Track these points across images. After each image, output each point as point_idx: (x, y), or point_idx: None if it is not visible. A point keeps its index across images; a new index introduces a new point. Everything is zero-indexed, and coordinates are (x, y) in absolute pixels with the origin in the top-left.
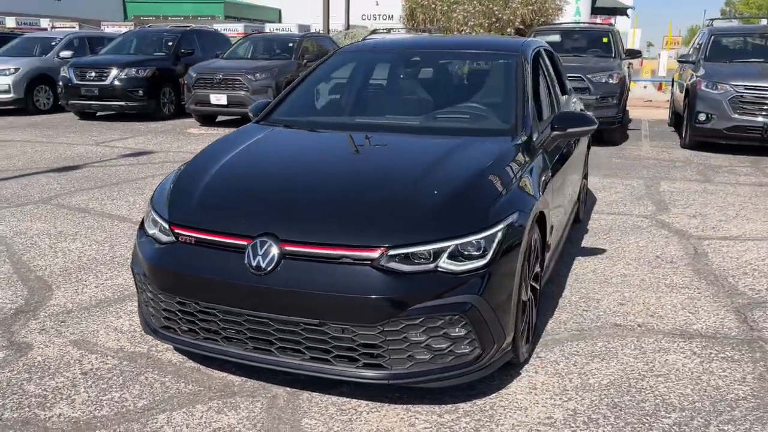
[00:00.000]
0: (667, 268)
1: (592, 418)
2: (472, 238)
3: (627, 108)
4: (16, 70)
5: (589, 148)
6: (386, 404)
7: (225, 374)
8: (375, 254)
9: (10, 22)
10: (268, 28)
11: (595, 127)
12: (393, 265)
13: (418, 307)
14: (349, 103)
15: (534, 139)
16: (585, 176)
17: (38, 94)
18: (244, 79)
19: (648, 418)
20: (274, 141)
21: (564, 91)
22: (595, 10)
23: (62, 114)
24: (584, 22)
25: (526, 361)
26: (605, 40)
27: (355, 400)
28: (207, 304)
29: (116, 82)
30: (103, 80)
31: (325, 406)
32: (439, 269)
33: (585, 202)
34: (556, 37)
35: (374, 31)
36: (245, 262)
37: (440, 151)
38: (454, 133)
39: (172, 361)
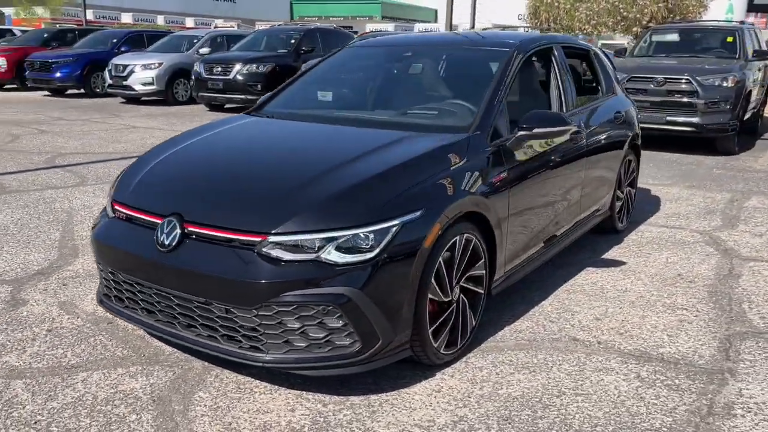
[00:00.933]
0: (680, 288)
1: (475, 427)
2: (359, 231)
3: (765, 115)
4: (160, 64)
5: (637, 155)
6: (282, 388)
7: (161, 345)
8: (257, 240)
9: (189, 22)
10: (417, 27)
11: (567, 128)
12: (275, 251)
13: (291, 294)
14: (337, 95)
15: (493, 139)
16: (630, 185)
17: (177, 87)
18: None
19: None
20: (238, 130)
21: (604, 92)
22: (753, 8)
23: (196, 105)
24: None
25: (449, 363)
26: (730, 39)
27: (257, 381)
28: (127, 276)
29: (238, 77)
30: (227, 75)
31: (226, 383)
32: (322, 259)
33: (629, 212)
34: (674, 36)
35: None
36: (154, 238)
37: (376, 144)
38: (412, 128)
39: (126, 328)
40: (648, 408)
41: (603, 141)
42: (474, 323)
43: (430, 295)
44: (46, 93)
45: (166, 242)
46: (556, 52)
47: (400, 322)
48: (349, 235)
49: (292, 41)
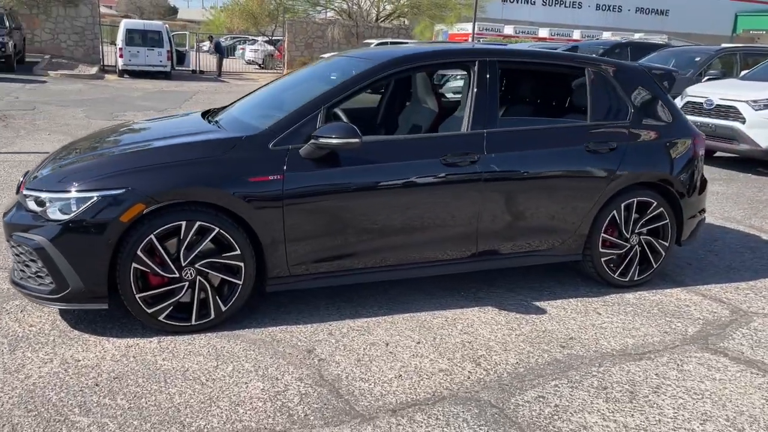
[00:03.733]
0: (510, 348)
1: (89, 380)
2: (68, 197)
3: None
4: None
5: (671, 201)
6: (57, 315)
7: None
8: (22, 192)
9: (606, 35)
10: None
11: (352, 140)
12: (29, 203)
13: (16, 234)
14: (262, 100)
15: (283, 144)
16: (653, 234)
17: None
18: None
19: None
20: (158, 122)
21: (591, 118)
22: None
23: None
24: None
25: (179, 333)
26: None
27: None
28: None
29: None
30: None
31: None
32: (46, 214)
33: (648, 266)
34: None
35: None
36: None
37: (177, 133)
38: (241, 128)
39: None
40: None
41: (536, 171)
42: (223, 308)
43: (137, 265)
44: None
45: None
46: (478, 68)
47: (90, 277)
48: (60, 198)
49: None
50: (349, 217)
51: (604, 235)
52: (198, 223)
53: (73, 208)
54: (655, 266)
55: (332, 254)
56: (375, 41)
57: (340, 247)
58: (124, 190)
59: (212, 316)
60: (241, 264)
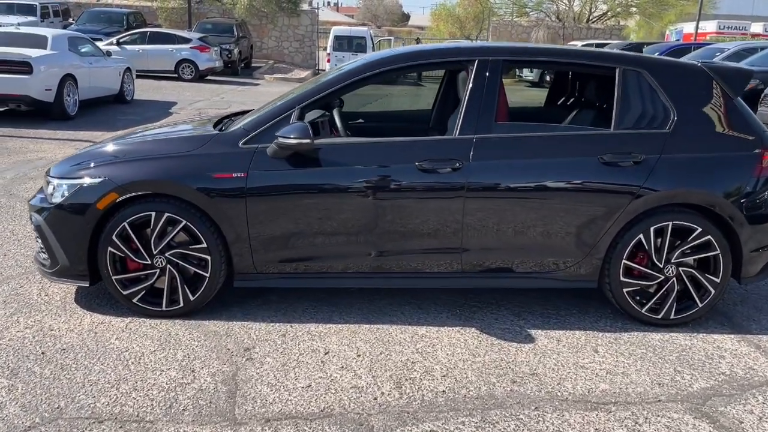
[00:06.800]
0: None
1: (53, 341)
2: (62, 183)
3: None
4: None
5: (726, 229)
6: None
7: None
8: (45, 178)
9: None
10: None
11: (303, 141)
12: (47, 188)
13: (32, 213)
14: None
15: (253, 143)
16: (703, 268)
17: None
18: None
19: None
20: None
21: (617, 125)
22: None
23: None
24: None
25: (151, 316)
26: None
27: None
28: None
29: None
30: None
31: None
32: (50, 197)
33: (691, 302)
34: None
35: None
36: None
37: (177, 131)
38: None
39: None
40: None
41: (531, 184)
42: (191, 297)
43: (113, 250)
44: None
45: None
46: (475, 68)
47: (74, 256)
48: (61, 184)
49: None
50: (314, 219)
51: (628, 263)
52: (166, 214)
53: (65, 193)
54: (699, 305)
55: (300, 255)
56: (580, 43)
57: (308, 249)
58: (101, 179)
59: (181, 304)
60: (208, 257)
